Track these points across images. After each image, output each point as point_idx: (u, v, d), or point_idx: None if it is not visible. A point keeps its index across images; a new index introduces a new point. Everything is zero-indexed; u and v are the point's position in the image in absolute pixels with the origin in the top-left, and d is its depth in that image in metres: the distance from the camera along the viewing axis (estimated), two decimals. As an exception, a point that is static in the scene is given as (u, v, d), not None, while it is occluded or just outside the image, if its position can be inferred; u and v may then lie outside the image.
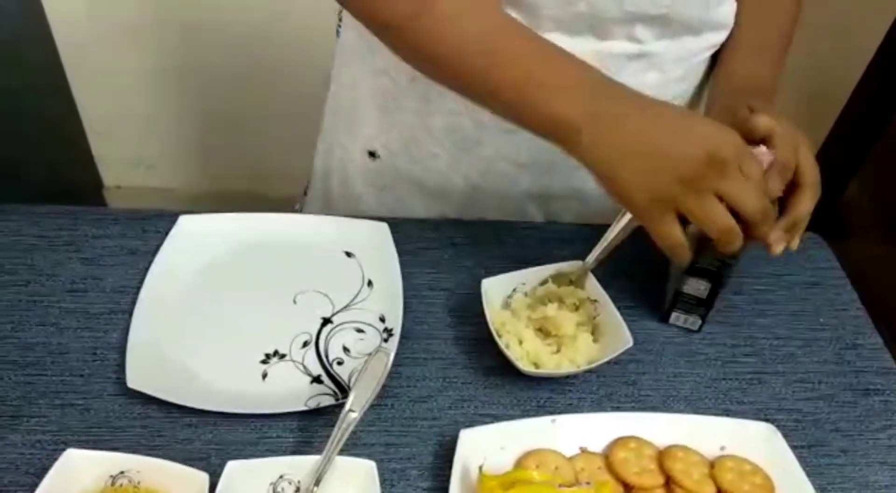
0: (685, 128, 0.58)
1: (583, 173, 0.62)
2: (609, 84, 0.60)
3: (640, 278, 0.79)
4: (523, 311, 0.72)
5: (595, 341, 0.71)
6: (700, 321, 0.75)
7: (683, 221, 0.60)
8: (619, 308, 0.71)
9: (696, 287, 0.71)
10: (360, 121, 0.85)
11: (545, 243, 0.78)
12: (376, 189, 0.88)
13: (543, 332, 0.72)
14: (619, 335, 0.69)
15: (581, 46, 0.71)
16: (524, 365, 0.68)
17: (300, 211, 1.00)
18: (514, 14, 0.70)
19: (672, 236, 0.59)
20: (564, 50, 0.61)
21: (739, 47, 0.77)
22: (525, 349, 0.70)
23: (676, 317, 0.75)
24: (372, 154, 0.85)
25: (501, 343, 0.68)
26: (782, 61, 0.77)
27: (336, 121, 0.89)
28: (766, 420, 0.66)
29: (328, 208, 0.93)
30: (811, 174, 0.64)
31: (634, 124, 0.58)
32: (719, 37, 0.78)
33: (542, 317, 0.71)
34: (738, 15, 0.77)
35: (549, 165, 0.82)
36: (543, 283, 0.74)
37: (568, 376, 0.70)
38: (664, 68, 0.76)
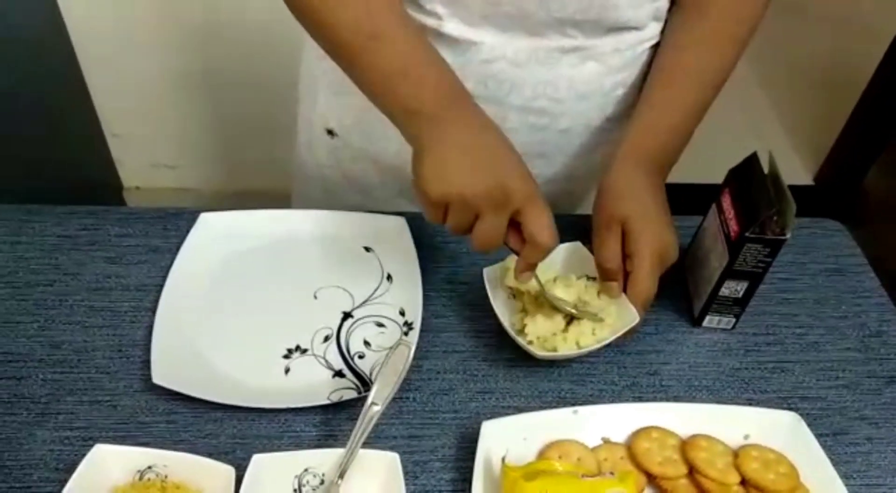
0: (496, 158, 0.62)
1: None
2: (460, 93, 0.64)
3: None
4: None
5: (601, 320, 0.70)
6: (735, 321, 0.75)
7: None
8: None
9: (734, 288, 0.71)
10: (318, 98, 0.87)
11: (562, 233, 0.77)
12: (338, 162, 0.90)
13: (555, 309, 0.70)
14: (623, 308, 0.69)
15: (513, 42, 0.72)
16: (537, 349, 0.67)
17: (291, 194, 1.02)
18: (444, 9, 0.70)
19: (434, 219, 0.63)
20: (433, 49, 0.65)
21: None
22: (538, 334, 0.69)
23: (710, 319, 0.75)
24: (330, 132, 0.87)
25: (518, 337, 0.68)
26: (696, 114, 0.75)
27: (304, 96, 0.91)
28: (790, 409, 0.65)
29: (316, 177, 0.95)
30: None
31: (457, 134, 0.61)
32: (659, 27, 0.77)
33: (577, 300, 0.71)
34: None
35: None
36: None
37: (590, 355, 0.70)
38: (602, 59, 0.75)
